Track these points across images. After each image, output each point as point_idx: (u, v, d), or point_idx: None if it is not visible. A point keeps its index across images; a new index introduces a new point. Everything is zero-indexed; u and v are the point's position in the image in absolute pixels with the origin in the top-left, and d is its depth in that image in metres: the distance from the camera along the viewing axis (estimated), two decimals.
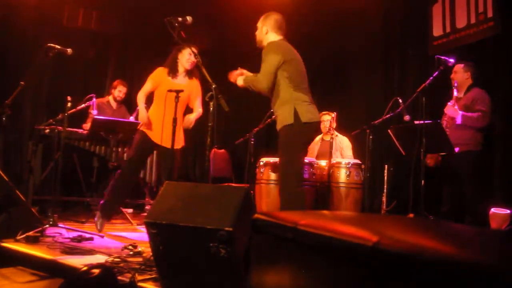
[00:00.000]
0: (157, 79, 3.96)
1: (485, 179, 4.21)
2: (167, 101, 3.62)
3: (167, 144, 3.67)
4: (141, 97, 3.97)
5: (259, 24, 3.50)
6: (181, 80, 3.98)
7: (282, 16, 3.48)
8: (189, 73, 4.04)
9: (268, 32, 3.44)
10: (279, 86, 3.30)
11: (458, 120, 3.93)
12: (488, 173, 4.31)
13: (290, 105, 3.25)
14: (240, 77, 3.49)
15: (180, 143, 3.97)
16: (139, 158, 4.01)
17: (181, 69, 4.01)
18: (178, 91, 3.46)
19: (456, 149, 3.96)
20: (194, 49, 3.74)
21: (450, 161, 4.02)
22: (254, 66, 3.45)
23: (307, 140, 3.45)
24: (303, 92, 3.34)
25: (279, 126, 3.33)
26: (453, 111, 3.94)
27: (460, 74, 4.14)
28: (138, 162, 4.04)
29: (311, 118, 3.28)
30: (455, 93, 3.95)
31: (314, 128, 3.38)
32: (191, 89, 3.99)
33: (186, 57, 3.95)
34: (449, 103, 3.96)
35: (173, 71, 3.98)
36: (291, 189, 3.25)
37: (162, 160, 4.02)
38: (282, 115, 3.29)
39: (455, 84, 4.00)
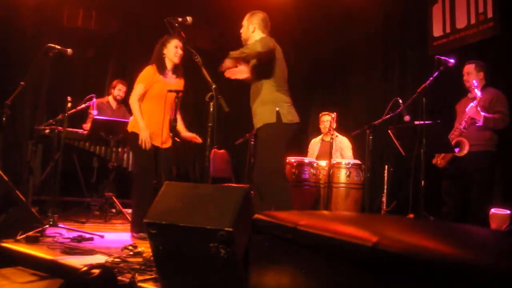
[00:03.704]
0: (149, 79, 3.73)
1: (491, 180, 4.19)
2: (167, 101, 3.66)
3: (164, 145, 3.74)
4: (136, 104, 3.70)
5: (244, 22, 3.49)
6: (171, 79, 3.81)
7: (267, 15, 3.49)
8: (177, 70, 3.84)
9: (255, 30, 3.44)
10: (262, 85, 3.35)
11: (480, 122, 3.90)
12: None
13: (271, 105, 3.30)
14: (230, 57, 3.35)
15: (168, 143, 3.84)
16: (149, 164, 3.73)
17: (169, 64, 3.80)
18: (178, 91, 3.45)
19: (456, 150, 3.95)
20: (180, 41, 3.65)
21: (462, 161, 3.99)
22: None
23: (287, 140, 3.45)
24: (284, 93, 3.38)
25: (259, 124, 3.37)
26: (476, 113, 3.89)
27: (474, 75, 4.05)
28: (150, 167, 3.75)
29: (291, 119, 3.34)
30: (478, 94, 3.86)
31: (294, 129, 3.41)
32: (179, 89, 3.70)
33: (173, 52, 3.75)
34: (472, 104, 3.90)
35: (161, 68, 3.75)
36: (275, 185, 3.27)
37: (160, 161, 3.85)
38: (263, 114, 3.33)
39: (475, 84, 3.92)
